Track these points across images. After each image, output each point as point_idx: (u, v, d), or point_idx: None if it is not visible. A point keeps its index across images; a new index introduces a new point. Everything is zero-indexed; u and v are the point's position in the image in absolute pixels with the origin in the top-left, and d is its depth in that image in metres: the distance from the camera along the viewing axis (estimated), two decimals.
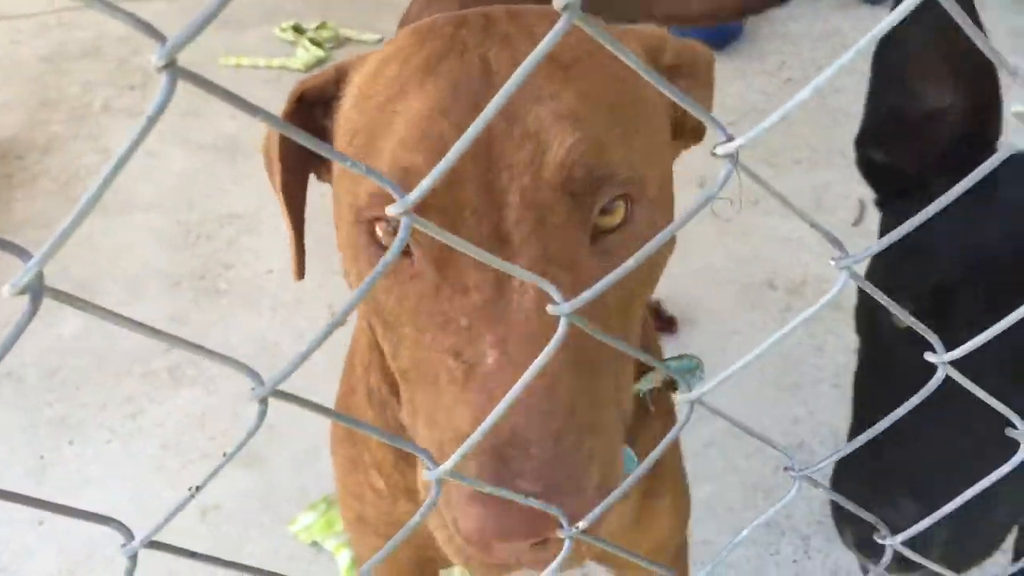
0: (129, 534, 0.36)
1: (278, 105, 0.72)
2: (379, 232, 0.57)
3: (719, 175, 0.38)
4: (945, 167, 0.72)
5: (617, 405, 0.58)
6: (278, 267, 2.07)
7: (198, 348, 0.35)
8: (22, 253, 0.27)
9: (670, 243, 0.61)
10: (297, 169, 0.70)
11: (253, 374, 0.36)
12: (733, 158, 0.38)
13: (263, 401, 0.36)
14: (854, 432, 0.84)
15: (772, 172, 2.32)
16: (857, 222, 2.18)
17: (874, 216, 0.96)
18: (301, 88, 0.68)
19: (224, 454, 0.41)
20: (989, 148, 0.72)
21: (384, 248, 0.57)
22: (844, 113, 2.51)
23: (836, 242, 0.47)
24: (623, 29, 0.66)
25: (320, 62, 2.82)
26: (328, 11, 3.05)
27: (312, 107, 0.68)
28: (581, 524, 0.49)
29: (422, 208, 0.52)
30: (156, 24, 0.28)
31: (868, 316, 0.80)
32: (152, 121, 0.27)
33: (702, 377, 0.77)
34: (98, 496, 1.61)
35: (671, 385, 0.78)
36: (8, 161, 2.45)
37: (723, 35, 2.76)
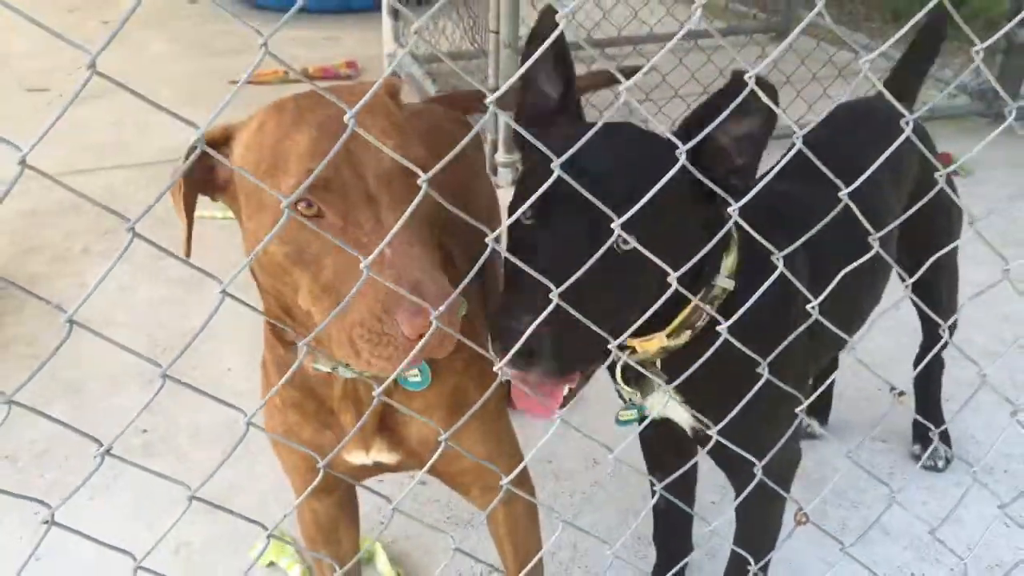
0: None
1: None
2: (300, 208, 0.95)
3: None
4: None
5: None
6: (235, 365, 2.46)
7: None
8: None
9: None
10: (193, 191, 1.08)
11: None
12: None
13: None
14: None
15: None
16: None
17: None
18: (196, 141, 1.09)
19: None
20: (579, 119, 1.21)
21: (306, 216, 0.95)
22: None
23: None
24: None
25: None
26: None
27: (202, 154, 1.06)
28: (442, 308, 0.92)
29: (327, 190, 0.95)
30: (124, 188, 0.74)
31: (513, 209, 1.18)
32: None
33: None
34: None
35: None
36: None
37: None
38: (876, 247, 1.03)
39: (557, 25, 1.01)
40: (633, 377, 1.34)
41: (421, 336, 0.91)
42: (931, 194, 1.21)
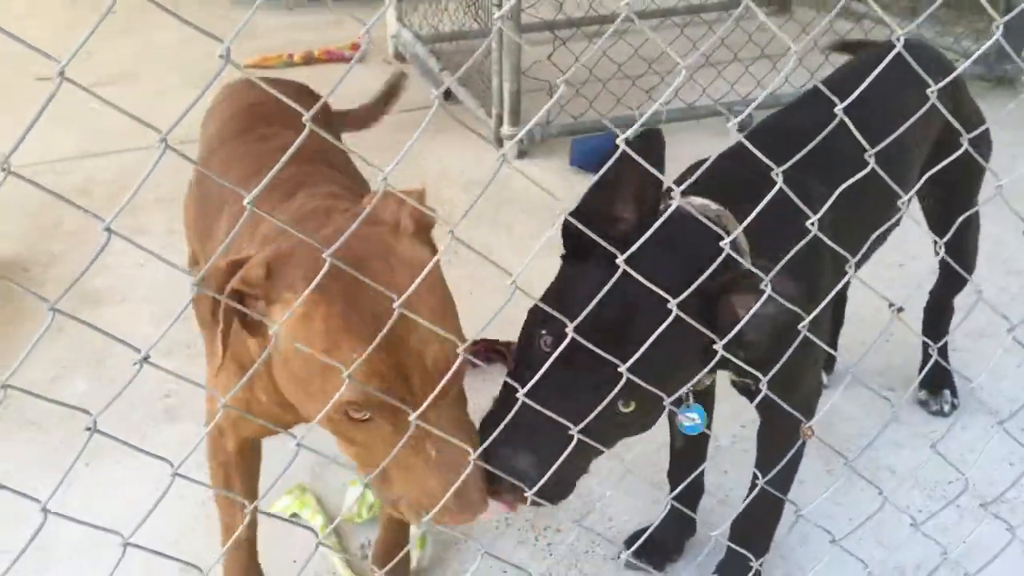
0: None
1: None
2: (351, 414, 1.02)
3: None
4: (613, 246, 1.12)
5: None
6: None
7: None
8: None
9: None
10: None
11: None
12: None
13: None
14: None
15: None
16: None
17: None
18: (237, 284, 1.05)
19: None
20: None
21: (353, 420, 1.03)
22: None
23: None
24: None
25: None
26: None
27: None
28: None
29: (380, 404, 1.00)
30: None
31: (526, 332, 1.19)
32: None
33: None
34: (116, 493, 1.98)
35: None
36: (15, 272, 2.91)
37: None
38: (872, 163, 1.07)
39: (660, 146, 1.03)
40: None
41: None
42: (912, 108, 1.23)
